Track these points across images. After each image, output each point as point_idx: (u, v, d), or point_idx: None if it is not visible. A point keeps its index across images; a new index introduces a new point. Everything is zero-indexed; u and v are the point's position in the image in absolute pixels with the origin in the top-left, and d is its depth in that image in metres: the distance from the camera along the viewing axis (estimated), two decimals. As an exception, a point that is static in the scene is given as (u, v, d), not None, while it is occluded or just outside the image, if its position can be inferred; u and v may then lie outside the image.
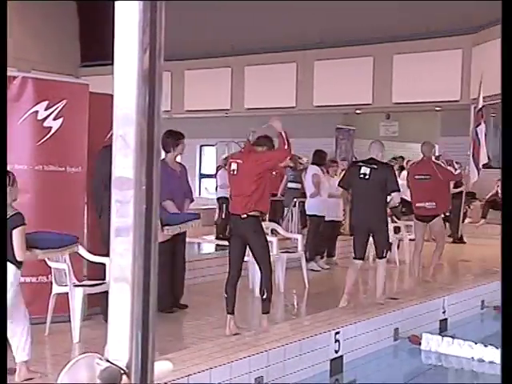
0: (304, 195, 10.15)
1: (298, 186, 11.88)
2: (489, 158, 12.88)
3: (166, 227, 5.15)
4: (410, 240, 10.16)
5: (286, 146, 5.83)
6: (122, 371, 1.08)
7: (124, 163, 1.13)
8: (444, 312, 5.61)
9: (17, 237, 4.16)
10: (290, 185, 12.56)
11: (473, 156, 13.15)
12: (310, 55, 19.09)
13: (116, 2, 1.11)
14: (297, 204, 11.24)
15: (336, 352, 4.38)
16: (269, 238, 7.59)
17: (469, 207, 13.53)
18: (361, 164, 6.80)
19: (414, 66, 17.36)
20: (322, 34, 18.94)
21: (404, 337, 5.02)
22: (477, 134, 13.23)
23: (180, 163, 6.71)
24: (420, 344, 4.95)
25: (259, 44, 19.52)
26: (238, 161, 5.87)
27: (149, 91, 1.10)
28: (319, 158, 9.80)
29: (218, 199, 12.27)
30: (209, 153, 23.12)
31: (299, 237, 8.69)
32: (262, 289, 5.59)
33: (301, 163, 12.47)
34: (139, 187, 1.11)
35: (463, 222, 13.18)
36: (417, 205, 8.29)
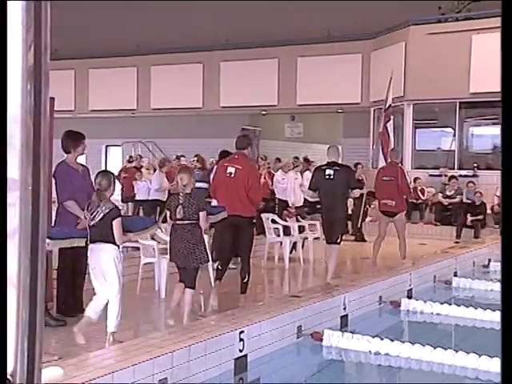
0: (209, 194, 10.13)
1: (206, 185, 11.86)
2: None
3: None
4: (314, 239, 10.38)
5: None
6: (8, 380, 1.03)
7: (12, 164, 1.09)
8: (345, 308, 5.76)
9: (116, 226, 5.09)
10: (198, 184, 12.47)
11: (382, 148, 13.69)
12: (216, 56, 19.14)
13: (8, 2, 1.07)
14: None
15: (240, 351, 4.41)
16: (150, 243, 7.54)
17: (369, 206, 13.94)
18: (325, 167, 8.04)
19: (317, 69, 17.77)
20: (229, 35, 19.06)
21: (307, 334, 5.11)
22: (387, 129, 13.77)
23: (82, 164, 6.52)
24: (322, 340, 5.06)
25: (165, 44, 19.37)
26: (237, 166, 6.91)
27: (34, 89, 1.07)
28: (225, 157, 9.80)
29: (154, 201, 12.03)
30: (115, 153, 22.70)
31: (205, 236, 8.64)
32: (243, 273, 6.86)
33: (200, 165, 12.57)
34: (25, 188, 1.07)
35: (364, 220, 13.60)
36: (382, 201, 9.80)
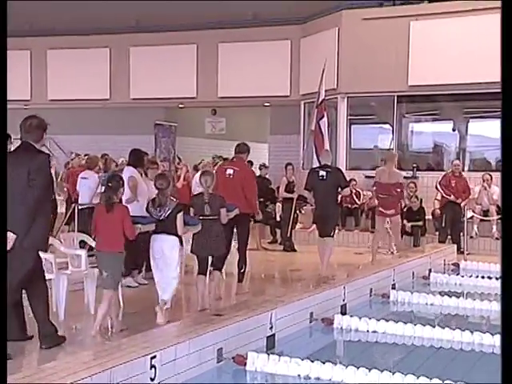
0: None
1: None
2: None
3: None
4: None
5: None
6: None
7: None
8: (271, 327, 5.81)
9: (179, 219, 6.88)
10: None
11: (315, 148, 13.87)
12: (125, 40, 18.91)
13: None
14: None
15: (152, 380, 4.39)
16: (78, 252, 7.56)
17: (300, 212, 14.12)
18: (318, 169, 10.51)
19: (241, 57, 17.84)
20: (139, 16, 18.85)
21: (228, 357, 5.13)
22: (320, 128, 13.94)
23: None
24: (245, 364, 5.09)
25: (65, 24, 18.92)
26: (235, 168, 9.36)
27: None
28: (136, 158, 9.70)
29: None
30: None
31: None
32: (240, 264, 9.39)
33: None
34: None
35: (294, 227, 13.76)
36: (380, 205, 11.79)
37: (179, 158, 17.17)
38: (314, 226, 13.99)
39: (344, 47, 15.98)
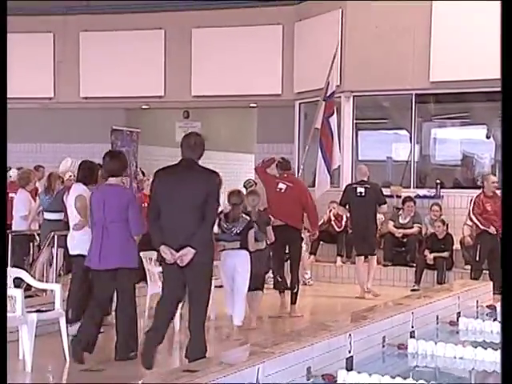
0: (67, 226, 9.96)
1: (59, 215, 11.65)
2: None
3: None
4: (216, 287, 10.36)
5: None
6: None
7: None
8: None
9: (251, 235, 9.17)
10: (47, 215, 12.26)
11: (323, 156, 13.77)
12: (73, 23, 18.90)
13: None
14: (55, 239, 10.99)
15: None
16: (11, 292, 7.54)
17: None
18: (356, 186, 13.00)
19: (221, 47, 17.87)
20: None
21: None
22: (330, 127, 13.84)
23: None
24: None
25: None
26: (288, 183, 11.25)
27: None
28: (88, 172, 9.68)
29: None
30: None
31: (57, 288, 8.50)
32: (293, 284, 11.15)
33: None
34: None
35: (286, 260, 13.69)
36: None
37: (143, 172, 17.12)
38: (312, 257, 14.83)
39: (349, 33, 16.04)
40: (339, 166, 15.18)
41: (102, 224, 8.16)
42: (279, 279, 11.15)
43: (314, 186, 14.11)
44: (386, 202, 13.15)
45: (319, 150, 14.01)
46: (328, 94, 14.03)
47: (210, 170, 7.48)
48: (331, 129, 13.95)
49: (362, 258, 13.10)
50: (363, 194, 12.72)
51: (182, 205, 7.11)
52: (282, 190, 11.15)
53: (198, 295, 7.41)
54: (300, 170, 15.31)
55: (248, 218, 9.27)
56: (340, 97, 16.01)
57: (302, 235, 11.68)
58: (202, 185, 7.22)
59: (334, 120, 14.00)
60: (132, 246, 8.24)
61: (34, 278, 9.44)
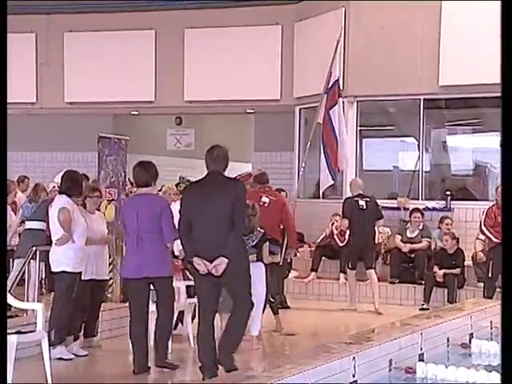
0: (50, 240, 9.95)
1: (41, 225, 11.65)
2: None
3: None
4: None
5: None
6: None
7: None
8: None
9: (265, 248, 9.96)
10: (29, 224, 12.26)
11: (325, 153, 13.76)
12: (57, 23, 18.90)
13: None
14: (37, 254, 10.95)
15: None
16: None
17: (295, 255, 14.07)
18: (357, 199, 13.41)
19: (215, 48, 17.85)
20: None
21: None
22: (331, 120, 13.79)
23: None
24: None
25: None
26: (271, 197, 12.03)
27: None
28: (72, 183, 9.72)
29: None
30: None
31: (39, 307, 8.47)
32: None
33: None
34: None
35: (287, 276, 13.68)
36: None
37: (131, 183, 17.05)
38: (313, 274, 14.77)
39: (353, 34, 16.03)
40: (342, 175, 15.22)
41: (137, 234, 8.79)
42: (272, 300, 11.22)
43: (314, 197, 14.18)
44: (383, 217, 13.84)
45: (321, 146, 14.04)
46: (330, 85, 13.99)
47: (234, 180, 8.43)
48: (332, 121, 13.90)
49: (354, 272, 13.68)
50: (364, 208, 13.32)
51: (211, 216, 7.80)
52: (266, 204, 11.72)
53: (239, 302, 8.07)
54: (299, 178, 15.34)
55: (262, 230, 9.89)
56: (343, 101, 15.96)
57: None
58: (229, 194, 7.92)
59: (336, 111, 13.92)
60: (167, 256, 9.05)
61: (15, 296, 9.39)
